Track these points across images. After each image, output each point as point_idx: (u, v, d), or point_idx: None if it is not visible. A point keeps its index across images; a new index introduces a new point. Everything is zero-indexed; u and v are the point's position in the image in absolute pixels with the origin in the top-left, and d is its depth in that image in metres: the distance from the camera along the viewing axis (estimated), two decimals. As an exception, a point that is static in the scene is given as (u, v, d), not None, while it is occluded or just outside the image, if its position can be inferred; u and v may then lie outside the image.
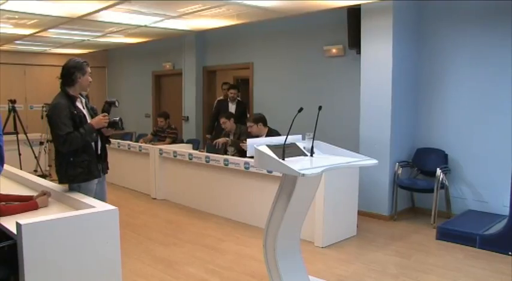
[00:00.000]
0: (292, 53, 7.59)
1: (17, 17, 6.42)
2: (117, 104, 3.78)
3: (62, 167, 3.59)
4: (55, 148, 3.65)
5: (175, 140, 7.83)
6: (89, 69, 3.69)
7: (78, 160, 3.57)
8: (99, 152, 3.76)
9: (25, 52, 10.72)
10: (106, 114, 3.67)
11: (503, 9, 5.26)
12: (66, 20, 6.63)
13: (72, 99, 3.61)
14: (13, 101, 8.12)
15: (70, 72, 3.61)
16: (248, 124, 5.97)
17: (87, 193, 3.55)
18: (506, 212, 4.75)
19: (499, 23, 5.34)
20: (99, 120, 3.63)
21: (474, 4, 5.52)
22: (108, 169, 3.95)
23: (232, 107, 7.53)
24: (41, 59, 11.26)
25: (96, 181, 3.75)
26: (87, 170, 3.61)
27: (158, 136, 7.90)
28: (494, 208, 5.47)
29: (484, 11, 5.45)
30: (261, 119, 5.91)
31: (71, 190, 3.58)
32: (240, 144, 5.99)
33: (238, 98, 7.80)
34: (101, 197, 3.86)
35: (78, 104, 3.67)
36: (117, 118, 3.73)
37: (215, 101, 8.40)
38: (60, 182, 3.68)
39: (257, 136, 5.85)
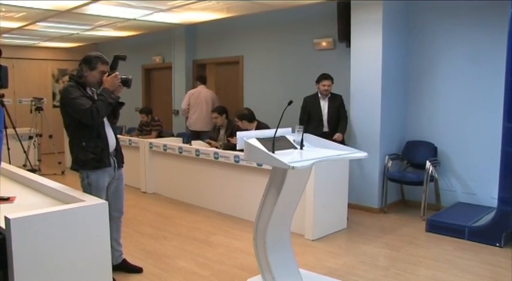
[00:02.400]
0: (282, 46, 7.58)
1: (3, 9, 6.34)
2: (125, 59, 3.69)
3: (74, 152, 3.59)
4: (69, 135, 3.62)
5: (161, 132, 7.83)
6: (100, 66, 3.57)
7: (91, 145, 3.53)
8: (115, 145, 3.73)
9: (13, 45, 10.60)
10: (117, 73, 3.57)
11: (494, 4, 5.27)
12: (55, 13, 6.57)
13: (82, 85, 3.57)
14: (1, 95, 8.03)
15: (80, 65, 3.61)
16: (236, 121, 5.97)
17: (98, 190, 3.53)
18: (495, 204, 4.79)
19: (489, 17, 5.36)
20: (112, 81, 3.54)
21: (464, -2, 5.56)
22: (123, 162, 3.89)
23: (324, 104, 5.82)
24: (29, 53, 11.16)
25: (107, 176, 3.68)
26: (99, 157, 3.55)
27: (144, 131, 7.89)
28: (482, 200, 5.51)
29: (475, 5, 5.47)
30: (244, 116, 5.88)
31: (83, 189, 3.57)
32: (230, 139, 5.97)
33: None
34: (115, 197, 3.85)
35: (89, 92, 3.62)
36: (130, 76, 3.66)
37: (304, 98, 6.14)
38: (72, 168, 3.66)
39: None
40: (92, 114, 3.40)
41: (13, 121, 8.21)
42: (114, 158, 3.74)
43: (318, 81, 5.81)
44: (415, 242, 4.82)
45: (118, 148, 3.81)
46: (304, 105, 5.93)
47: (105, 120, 3.65)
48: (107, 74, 3.56)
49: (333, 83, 5.79)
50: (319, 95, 5.86)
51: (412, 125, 6.13)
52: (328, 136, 5.02)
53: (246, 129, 5.69)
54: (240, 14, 6.96)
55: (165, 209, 6.18)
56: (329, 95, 5.84)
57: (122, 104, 3.80)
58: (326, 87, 5.74)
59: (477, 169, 5.58)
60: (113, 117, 3.79)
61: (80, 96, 3.47)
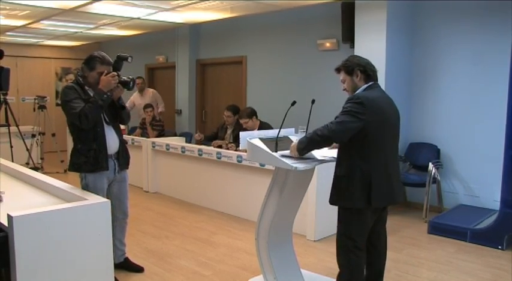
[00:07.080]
0: (286, 46, 7.57)
1: (8, 7, 6.36)
2: (130, 60, 3.54)
3: (71, 154, 3.55)
4: (71, 135, 3.57)
5: (162, 131, 7.81)
6: (99, 67, 3.46)
7: (84, 148, 3.45)
8: (117, 148, 3.65)
9: (17, 44, 10.62)
10: (115, 73, 3.43)
11: (498, 6, 5.26)
12: (59, 11, 6.58)
13: (82, 86, 3.49)
14: (5, 93, 8.05)
15: (81, 65, 3.55)
16: (242, 120, 5.89)
17: (95, 191, 3.43)
18: (497, 206, 4.78)
19: (493, 19, 5.35)
20: (107, 80, 3.39)
21: (469, 0, 5.53)
22: (128, 165, 3.82)
23: None
24: (33, 51, 11.17)
25: (105, 178, 3.60)
26: (93, 160, 3.45)
27: (146, 130, 7.86)
28: (485, 203, 5.50)
29: (479, 7, 5.46)
30: (254, 113, 5.91)
31: (82, 188, 3.50)
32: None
33: None
34: (118, 199, 3.80)
35: (91, 93, 3.48)
36: (130, 77, 3.52)
37: None
38: (69, 169, 3.61)
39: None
40: (80, 118, 3.32)
41: (16, 119, 8.22)
42: (115, 161, 3.68)
43: None
44: (417, 244, 4.81)
45: (121, 150, 3.71)
46: None
47: (105, 122, 3.55)
48: (105, 73, 3.44)
49: None
50: None
51: (415, 127, 6.12)
52: None
53: (253, 130, 5.73)
54: (243, 14, 6.97)
55: (168, 208, 6.18)
56: None
57: (123, 107, 3.67)
58: None
59: (480, 171, 5.57)
60: (117, 120, 3.68)
61: (74, 99, 3.38)
